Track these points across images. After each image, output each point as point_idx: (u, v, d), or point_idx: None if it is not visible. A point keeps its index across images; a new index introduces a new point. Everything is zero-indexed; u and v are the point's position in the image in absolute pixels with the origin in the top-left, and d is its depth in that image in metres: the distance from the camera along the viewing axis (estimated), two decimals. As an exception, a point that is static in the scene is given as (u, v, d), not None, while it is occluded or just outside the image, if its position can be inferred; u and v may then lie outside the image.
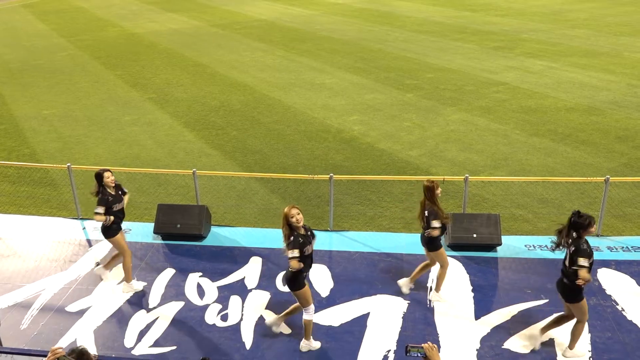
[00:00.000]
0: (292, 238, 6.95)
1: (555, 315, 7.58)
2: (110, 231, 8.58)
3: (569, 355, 7.33)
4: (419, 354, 4.45)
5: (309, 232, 7.21)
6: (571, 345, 7.32)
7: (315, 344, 7.60)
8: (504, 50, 24.24)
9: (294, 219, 6.94)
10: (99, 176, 8.47)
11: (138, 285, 8.99)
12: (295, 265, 6.90)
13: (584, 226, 6.69)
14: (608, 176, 9.85)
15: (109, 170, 8.60)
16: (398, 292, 8.63)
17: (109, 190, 8.48)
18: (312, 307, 7.37)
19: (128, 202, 8.89)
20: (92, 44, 28.38)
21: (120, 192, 8.66)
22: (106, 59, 25.17)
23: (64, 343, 7.74)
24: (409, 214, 10.80)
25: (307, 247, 7.04)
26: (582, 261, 6.52)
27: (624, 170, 12.70)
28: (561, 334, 7.61)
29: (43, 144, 15.40)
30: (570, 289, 6.85)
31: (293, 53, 25.01)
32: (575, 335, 7.26)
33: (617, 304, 8.24)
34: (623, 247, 9.68)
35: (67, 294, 8.85)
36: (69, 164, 11.00)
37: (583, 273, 6.49)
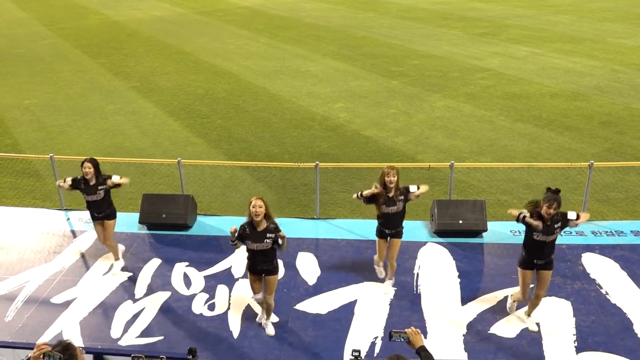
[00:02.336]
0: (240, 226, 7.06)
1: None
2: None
3: (528, 321, 7.68)
4: (401, 339, 4.51)
5: (268, 232, 7.00)
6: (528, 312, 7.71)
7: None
8: (488, 36, 24.27)
9: (254, 210, 6.93)
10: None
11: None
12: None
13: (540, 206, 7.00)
14: (592, 161, 9.93)
15: (89, 160, 8.44)
16: (385, 279, 8.65)
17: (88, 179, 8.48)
18: (256, 295, 7.54)
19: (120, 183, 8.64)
20: (74, 32, 28.00)
21: (99, 184, 8.53)
22: (88, 47, 24.84)
23: (49, 335, 7.68)
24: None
25: (248, 242, 7.03)
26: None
27: (607, 155, 12.81)
28: (546, 318, 7.70)
29: (25, 134, 15.20)
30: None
31: (278, 40, 24.86)
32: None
33: (601, 288, 8.34)
34: (607, 232, 9.77)
35: (51, 285, 8.77)
36: (51, 154, 10.86)
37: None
